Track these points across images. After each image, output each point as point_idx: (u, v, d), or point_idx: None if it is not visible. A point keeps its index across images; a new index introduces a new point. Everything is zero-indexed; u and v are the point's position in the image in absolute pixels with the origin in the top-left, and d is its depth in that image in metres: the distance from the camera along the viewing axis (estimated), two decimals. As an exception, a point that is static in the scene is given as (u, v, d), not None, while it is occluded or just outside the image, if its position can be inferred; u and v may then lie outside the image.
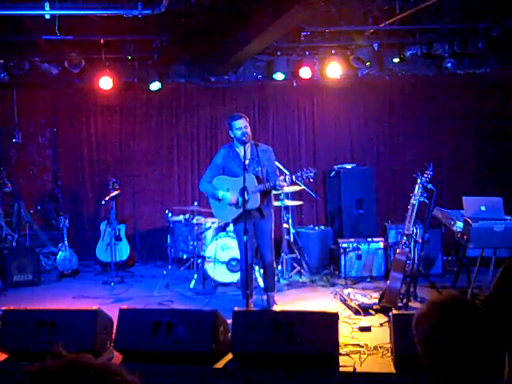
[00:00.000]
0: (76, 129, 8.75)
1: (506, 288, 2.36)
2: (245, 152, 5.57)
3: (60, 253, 7.78)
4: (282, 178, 5.67)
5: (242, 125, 5.70)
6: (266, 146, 6.00)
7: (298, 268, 7.29)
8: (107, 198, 7.45)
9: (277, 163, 6.97)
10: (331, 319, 4.19)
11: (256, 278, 6.95)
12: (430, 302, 1.80)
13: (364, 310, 5.56)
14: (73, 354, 1.16)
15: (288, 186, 5.96)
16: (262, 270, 6.27)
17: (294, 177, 5.61)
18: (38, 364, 1.12)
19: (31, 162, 8.71)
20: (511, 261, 2.47)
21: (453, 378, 1.69)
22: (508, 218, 5.88)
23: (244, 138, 5.59)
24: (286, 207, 7.36)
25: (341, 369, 4.12)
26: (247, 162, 5.62)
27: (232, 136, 5.84)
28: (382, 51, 8.36)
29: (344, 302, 5.97)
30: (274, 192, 6.04)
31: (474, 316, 1.71)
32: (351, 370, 4.12)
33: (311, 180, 5.72)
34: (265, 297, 6.06)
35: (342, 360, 4.25)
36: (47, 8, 5.76)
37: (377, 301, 5.68)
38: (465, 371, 1.68)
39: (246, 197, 5.47)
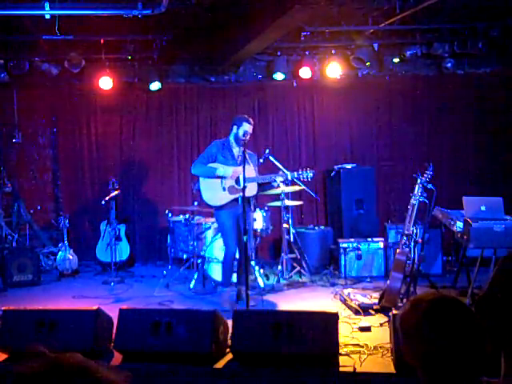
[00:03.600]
0: (76, 129, 8.75)
1: (500, 287, 2.35)
2: (239, 150, 6.01)
3: (60, 253, 7.78)
4: (281, 172, 6.03)
5: (249, 130, 6.00)
6: (252, 152, 6.35)
7: (298, 268, 7.29)
8: (107, 198, 7.45)
9: (276, 163, 7.01)
10: (331, 319, 4.19)
11: (256, 278, 6.95)
12: (412, 301, 1.80)
13: (364, 310, 5.56)
14: (52, 353, 1.15)
15: (284, 183, 6.16)
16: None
17: (295, 173, 5.95)
18: (18, 368, 1.12)
19: (31, 162, 8.71)
20: (505, 260, 2.47)
21: (439, 376, 1.69)
22: (508, 217, 5.88)
23: (243, 141, 5.94)
24: (286, 207, 7.36)
25: (341, 369, 4.12)
26: (240, 158, 5.99)
27: (233, 132, 6.06)
28: (381, 51, 8.36)
29: (344, 302, 5.97)
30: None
31: (457, 312, 1.72)
32: (351, 369, 4.11)
33: (309, 180, 6.10)
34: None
35: (342, 360, 4.25)
36: (47, 8, 5.77)
37: (377, 301, 5.67)
38: (451, 369, 1.68)
39: (243, 185, 5.66)
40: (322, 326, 4.15)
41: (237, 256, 6.19)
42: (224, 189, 6.02)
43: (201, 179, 6.14)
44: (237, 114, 6.62)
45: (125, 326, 4.39)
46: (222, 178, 6.00)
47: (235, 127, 6.05)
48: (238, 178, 5.99)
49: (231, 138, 6.12)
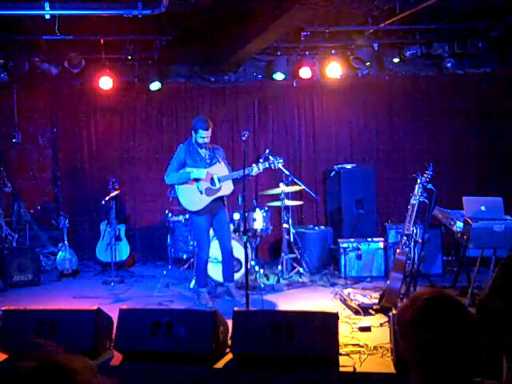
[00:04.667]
0: (76, 129, 8.75)
1: (501, 289, 2.36)
2: (205, 150, 6.13)
3: (60, 253, 7.78)
4: (254, 164, 6.07)
5: (205, 135, 6.01)
6: (217, 146, 6.42)
7: (298, 268, 7.29)
8: (107, 198, 7.45)
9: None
10: (331, 319, 4.19)
11: (256, 278, 6.96)
12: (411, 297, 1.81)
13: (364, 310, 5.56)
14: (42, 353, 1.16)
15: (260, 172, 6.18)
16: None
17: (266, 163, 6.08)
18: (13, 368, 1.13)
19: (31, 162, 8.70)
20: (506, 262, 2.47)
21: (433, 374, 1.69)
22: (508, 217, 5.88)
23: (203, 145, 6.06)
24: (286, 207, 7.36)
25: (341, 369, 4.12)
26: (207, 158, 6.12)
27: (193, 137, 6.09)
28: (381, 51, 8.36)
29: (344, 302, 5.97)
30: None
31: (454, 310, 1.72)
32: (351, 369, 4.12)
33: (281, 165, 6.23)
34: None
35: (342, 360, 4.25)
36: (47, 8, 5.77)
37: (377, 301, 5.68)
38: (445, 367, 1.68)
39: (219, 184, 5.98)
40: (322, 326, 4.15)
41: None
42: (201, 192, 6.04)
43: (177, 187, 6.15)
44: (197, 116, 6.54)
45: (125, 326, 4.39)
46: (197, 180, 6.01)
47: (193, 132, 6.07)
48: (212, 178, 6.05)
49: (193, 141, 6.14)
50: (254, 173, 6.00)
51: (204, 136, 5.99)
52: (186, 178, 6.01)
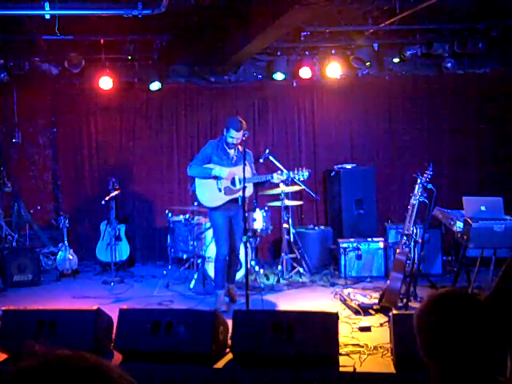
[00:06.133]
0: (76, 129, 8.75)
1: (506, 287, 2.36)
2: (235, 150, 6.06)
3: (60, 253, 7.78)
4: (279, 172, 6.03)
5: (235, 136, 5.92)
6: (248, 150, 6.30)
7: (298, 268, 7.29)
8: (107, 198, 7.44)
9: (276, 163, 7.04)
10: (331, 319, 4.19)
11: (256, 278, 6.96)
12: (430, 296, 1.80)
13: (364, 310, 5.56)
14: (51, 350, 1.13)
15: (282, 181, 6.21)
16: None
17: (291, 173, 6.00)
18: (13, 366, 1.11)
19: (31, 162, 8.70)
20: (511, 261, 2.47)
21: (453, 374, 1.69)
22: (508, 217, 5.88)
23: (231, 145, 5.99)
24: (286, 207, 7.36)
25: (341, 369, 4.12)
26: (235, 158, 6.04)
27: (224, 134, 6.03)
28: (381, 51, 8.36)
29: (344, 302, 5.97)
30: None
31: (473, 308, 1.72)
32: (351, 369, 4.11)
33: (304, 179, 6.15)
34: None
35: (342, 360, 4.25)
36: (47, 8, 5.76)
37: (377, 301, 5.68)
38: (465, 366, 1.67)
39: (239, 185, 5.87)
40: (322, 326, 4.16)
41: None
42: (220, 190, 6.01)
43: (196, 180, 6.11)
44: (232, 116, 6.50)
45: (125, 326, 4.40)
46: (217, 178, 5.97)
47: (225, 130, 6.02)
48: (233, 178, 6.01)
49: (223, 140, 6.07)
50: (275, 180, 5.99)
51: (234, 136, 5.92)
52: (207, 173, 5.98)
